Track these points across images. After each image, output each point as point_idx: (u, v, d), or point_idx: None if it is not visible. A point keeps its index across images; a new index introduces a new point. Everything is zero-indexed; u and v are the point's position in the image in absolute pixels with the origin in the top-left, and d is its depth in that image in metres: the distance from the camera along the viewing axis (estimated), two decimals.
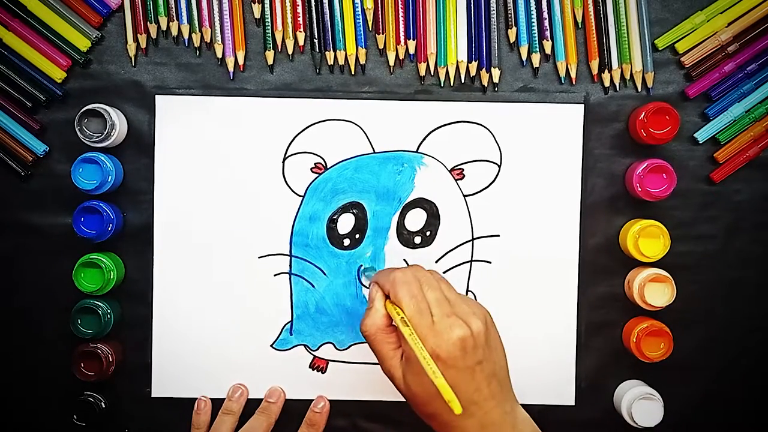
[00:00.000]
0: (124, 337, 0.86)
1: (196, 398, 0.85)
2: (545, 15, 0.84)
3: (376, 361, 0.85)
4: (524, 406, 0.86)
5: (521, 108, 0.85)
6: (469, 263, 0.85)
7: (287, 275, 0.85)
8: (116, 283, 0.83)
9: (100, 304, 0.83)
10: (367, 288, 0.85)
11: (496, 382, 0.66)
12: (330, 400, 0.86)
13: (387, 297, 0.70)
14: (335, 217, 0.85)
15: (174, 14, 0.84)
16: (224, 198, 0.85)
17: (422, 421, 0.87)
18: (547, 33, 0.84)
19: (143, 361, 0.86)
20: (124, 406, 0.86)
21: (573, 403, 0.86)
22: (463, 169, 0.85)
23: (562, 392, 0.86)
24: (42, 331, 0.86)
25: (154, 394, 0.86)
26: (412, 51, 0.85)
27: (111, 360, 0.83)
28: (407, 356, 0.67)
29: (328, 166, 0.85)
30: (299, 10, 0.84)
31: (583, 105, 0.85)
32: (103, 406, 0.84)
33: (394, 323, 0.69)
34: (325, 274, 0.85)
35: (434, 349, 0.64)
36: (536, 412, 0.85)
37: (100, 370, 0.83)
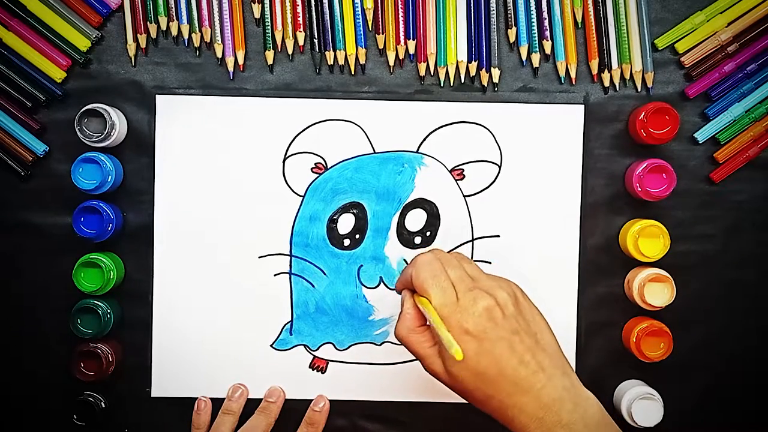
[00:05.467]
0: (124, 337, 0.86)
1: (196, 398, 0.85)
2: (545, 15, 0.84)
3: (376, 362, 0.86)
4: None
5: (521, 108, 0.85)
6: None
7: (287, 275, 0.85)
8: (116, 283, 0.83)
9: (99, 304, 0.83)
10: (367, 287, 0.85)
11: (544, 355, 0.63)
12: (330, 400, 0.86)
13: (414, 292, 0.69)
14: (335, 217, 0.85)
15: (174, 14, 0.84)
16: (224, 198, 0.85)
17: (422, 421, 0.87)
18: (547, 33, 0.84)
19: (143, 361, 0.85)
20: (124, 406, 0.86)
21: None
22: (463, 170, 0.85)
23: None
24: (42, 331, 0.86)
25: (154, 394, 0.86)
26: (412, 51, 0.85)
27: (111, 360, 0.83)
28: (442, 346, 0.65)
29: (328, 166, 0.85)
30: (299, 10, 0.84)
31: (583, 105, 0.85)
32: (103, 406, 0.84)
33: (427, 321, 0.68)
34: (325, 274, 0.85)
35: (461, 324, 0.63)
36: None
37: (100, 370, 0.83)
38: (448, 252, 0.71)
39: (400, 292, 0.72)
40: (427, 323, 0.68)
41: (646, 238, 0.82)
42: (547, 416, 0.61)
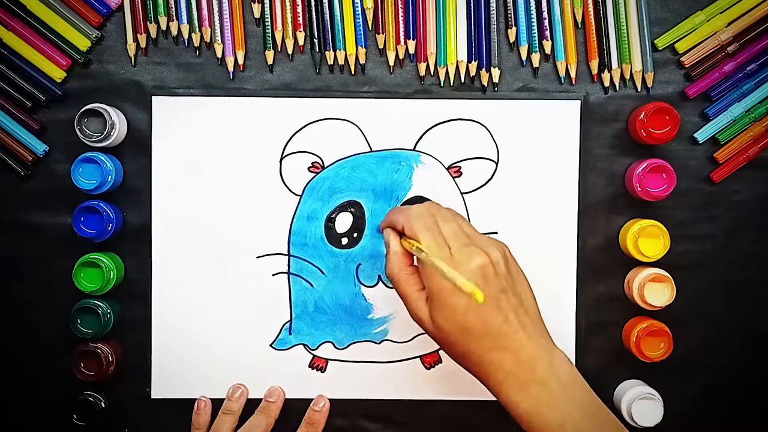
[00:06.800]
0: (123, 337, 0.86)
1: (196, 398, 0.85)
2: (545, 15, 0.84)
3: (376, 360, 0.86)
4: None
5: (517, 105, 0.85)
6: None
7: (286, 275, 0.85)
8: (116, 282, 0.83)
9: (99, 303, 0.83)
10: (365, 285, 0.85)
11: (525, 314, 0.65)
12: (330, 400, 0.86)
13: (402, 235, 0.70)
14: (333, 216, 0.85)
15: (174, 14, 0.84)
16: (222, 198, 0.85)
17: (422, 420, 0.87)
18: (547, 33, 0.84)
19: (143, 361, 0.86)
20: (124, 406, 0.86)
21: None
22: (460, 167, 0.85)
23: None
24: (42, 331, 0.86)
25: (154, 395, 0.86)
26: (412, 51, 0.85)
27: (111, 360, 0.83)
28: (431, 293, 0.66)
29: (325, 165, 0.85)
30: (299, 9, 0.84)
31: (579, 101, 0.85)
32: (103, 406, 0.84)
33: (414, 262, 0.68)
34: (323, 273, 0.85)
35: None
36: None
37: (100, 370, 0.83)
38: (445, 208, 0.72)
39: (381, 231, 0.73)
40: (414, 265, 0.69)
41: (646, 238, 0.82)
42: (522, 373, 0.63)
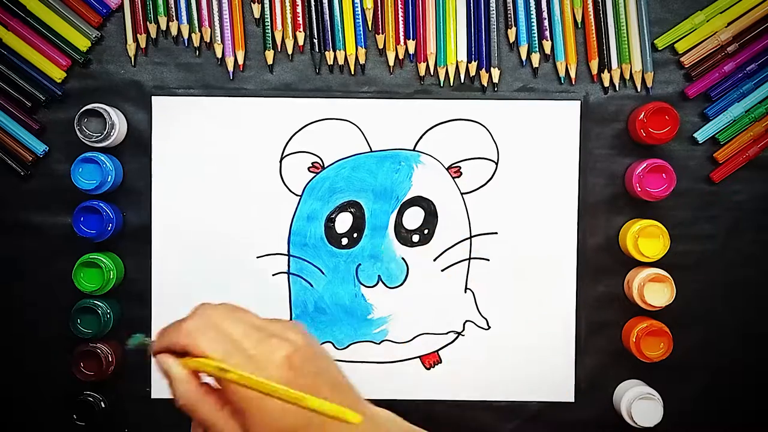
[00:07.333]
0: (123, 337, 0.86)
1: None
2: (545, 15, 0.84)
3: (376, 360, 0.86)
4: (523, 403, 0.86)
5: (517, 105, 0.85)
6: (467, 261, 0.85)
7: (286, 275, 0.85)
8: (116, 282, 0.83)
9: (99, 303, 0.83)
10: (365, 285, 0.85)
11: (343, 391, 0.60)
12: None
13: (180, 355, 0.59)
14: (333, 216, 0.85)
15: (174, 14, 0.84)
16: (222, 198, 0.85)
17: (422, 420, 0.86)
18: (547, 33, 0.84)
19: (143, 361, 0.85)
20: (124, 406, 0.86)
21: (573, 400, 0.86)
22: (460, 167, 0.85)
23: (562, 389, 0.86)
24: (42, 331, 0.86)
25: (154, 395, 0.86)
26: (411, 51, 0.85)
27: (111, 360, 0.83)
28: (240, 407, 0.57)
29: (325, 166, 0.85)
30: (299, 9, 0.84)
31: (579, 102, 0.85)
32: (103, 406, 0.84)
33: (204, 379, 0.59)
34: (323, 273, 0.85)
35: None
36: (535, 410, 0.86)
37: (99, 370, 0.83)
38: None
39: (153, 355, 0.60)
40: (204, 383, 0.59)
41: (645, 238, 0.82)
42: None
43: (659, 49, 0.85)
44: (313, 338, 0.61)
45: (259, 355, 0.57)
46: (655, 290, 0.82)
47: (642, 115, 0.81)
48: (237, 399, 0.56)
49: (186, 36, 0.85)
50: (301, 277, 0.85)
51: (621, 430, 0.84)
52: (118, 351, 0.85)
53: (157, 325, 0.85)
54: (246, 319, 0.61)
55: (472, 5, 0.84)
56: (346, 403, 0.56)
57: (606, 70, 0.84)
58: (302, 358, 0.58)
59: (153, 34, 0.84)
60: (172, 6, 0.84)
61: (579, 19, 0.84)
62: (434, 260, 0.85)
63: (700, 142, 0.85)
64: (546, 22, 0.84)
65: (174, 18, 0.84)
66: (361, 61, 0.85)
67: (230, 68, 0.85)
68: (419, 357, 0.86)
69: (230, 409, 0.58)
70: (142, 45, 0.84)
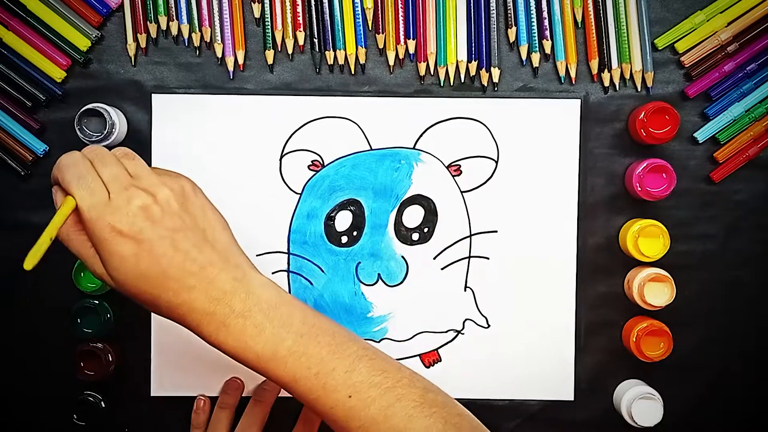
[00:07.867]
0: (124, 336, 0.86)
1: (195, 397, 0.85)
2: (545, 15, 0.84)
3: None
4: (523, 402, 0.86)
5: (517, 104, 0.85)
6: (467, 259, 0.85)
7: (285, 273, 0.85)
8: None
9: (99, 303, 0.83)
10: (365, 284, 0.85)
11: (212, 250, 0.62)
12: None
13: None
14: (333, 214, 0.85)
15: (174, 14, 0.84)
16: (222, 196, 0.84)
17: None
18: (547, 33, 0.84)
19: (143, 361, 0.85)
20: (124, 405, 0.86)
21: (572, 399, 0.86)
22: (460, 166, 0.85)
23: (562, 388, 0.86)
24: (42, 331, 0.86)
25: (153, 394, 0.86)
26: (411, 51, 0.85)
27: (111, 360, 0.83)
28: (96, 247, 0.62)
29: (325, 164, 0.85)
30: (299, 9, 0.84)
31: (579, 101, 0.85)
32: (103, 405, 0.84)
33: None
34: (323, 271, 0.85)
35: (114, 224, 0.60)
36: (535, 409, 0.86)
37: (100, 370, 0.83)
38: None
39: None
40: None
41: (646, 238, 0.82)
42: (218, 309, 0.61)
43: (659, 48, 0.85)
44: (192, 198, 0.64)
45: (116, 201, 0.60)
46: (655, 290, 0.82)
47: (642, 115, 0.81)
48: (94, 239, 0.61)
49: (186, 36, 0.85)
50: (301, 275, 0.85)
51: (621, 430, 0.84)
52: (118, 351, 0.85)
53: (157, 325, 0.85)
54: (127, 164, 0.64)
55: (472, 5, 0.84)
56: (212, 262, 0.61)
57: (606, 70, 0.85)
58: (162, 211, 0.61)
59: (153, 34, 0.85)
60: (172, 6, 0.84)
61: (579, 18, 0.84)
62: (434, 259, 0.85)
63: (700, 142, 0.85)
64: (546, 22, 0.84)
65: (174, 18, 0.84)
66: (362, 60, 0.85)
67: (230, 68, 0.85)
68: (419, 355, 0.86)
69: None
70: (143, 45, 0.85)
